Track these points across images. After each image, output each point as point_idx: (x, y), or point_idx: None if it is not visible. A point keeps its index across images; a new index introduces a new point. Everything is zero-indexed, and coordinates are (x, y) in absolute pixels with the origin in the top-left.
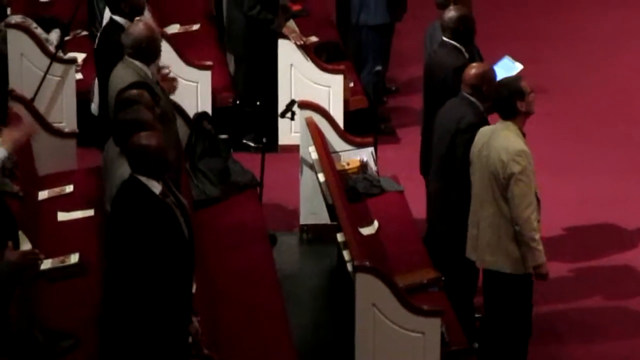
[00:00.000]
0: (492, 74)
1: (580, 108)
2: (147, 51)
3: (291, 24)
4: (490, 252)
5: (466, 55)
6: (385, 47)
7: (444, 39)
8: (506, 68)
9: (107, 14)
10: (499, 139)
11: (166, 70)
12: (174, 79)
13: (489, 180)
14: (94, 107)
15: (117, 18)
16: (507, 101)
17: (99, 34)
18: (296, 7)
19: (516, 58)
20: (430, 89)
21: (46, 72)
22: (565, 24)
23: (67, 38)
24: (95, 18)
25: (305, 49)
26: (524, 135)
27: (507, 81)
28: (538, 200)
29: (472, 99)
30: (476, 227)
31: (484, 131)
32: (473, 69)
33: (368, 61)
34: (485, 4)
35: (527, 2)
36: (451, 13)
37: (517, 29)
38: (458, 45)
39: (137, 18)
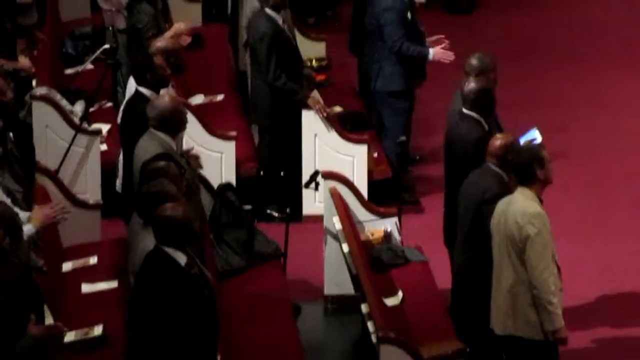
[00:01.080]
0: (518, 144)
1: (603, 175)
2: (172, 123)
3: (315, 94)
4: (510, 318)
5: (486, 127)
6: (405, 114)
7: (464, 110)
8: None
9: (131, 85)
10: (515, 204)
11: (192, 150)
12: (197, 157)
13: (507, 245)
14: (119, 183)
15: (142, 89)
16: (527, 167)
17: (123, 105)
18: (320, 77)
19: (538, 125)
20: (451, 161)
21: (71, 144)
22: (586, 91)
23: (91, 109)
24: (119, 89)
25: (329, 119)
26: (541, 201)
27: (529, 147)
28: (558, 267)
29: (497, 169)
30: (496, 294)
31: (502, 201)
32: (498, 140)
33: (388, 128)
34: (507, 72)
35: (549, 70)
36: (471, 85)
37: (539, 97)
38: (477, 117)
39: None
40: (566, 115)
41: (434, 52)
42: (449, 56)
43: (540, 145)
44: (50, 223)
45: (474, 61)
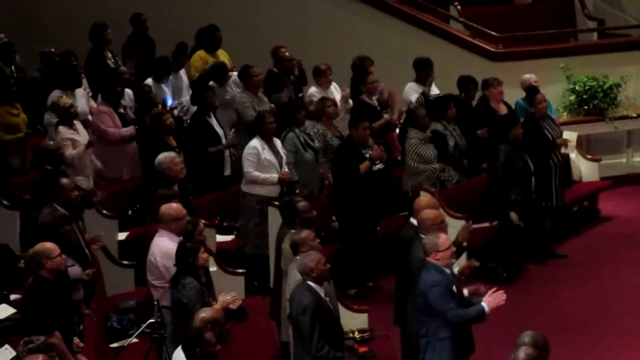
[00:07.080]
0: None
1: None
2: None
3: None
4: None
5: None
6: None
7: None
8: None
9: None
10: None
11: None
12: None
13: None
14: None
15: None
16: None
17: None
18: (362, 349)
19: None
20: None
21: None
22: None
23: None
24: None
25: None
26: None
27: None
28: None
29: None
30: None
31: None
32: None
33: None
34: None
35: (588, 344)
36: (521, 353)
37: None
38: None
39: None
40: None
41: (487, 303)
42: (501, 298)
43: None
44: None
45: (527, 338)
